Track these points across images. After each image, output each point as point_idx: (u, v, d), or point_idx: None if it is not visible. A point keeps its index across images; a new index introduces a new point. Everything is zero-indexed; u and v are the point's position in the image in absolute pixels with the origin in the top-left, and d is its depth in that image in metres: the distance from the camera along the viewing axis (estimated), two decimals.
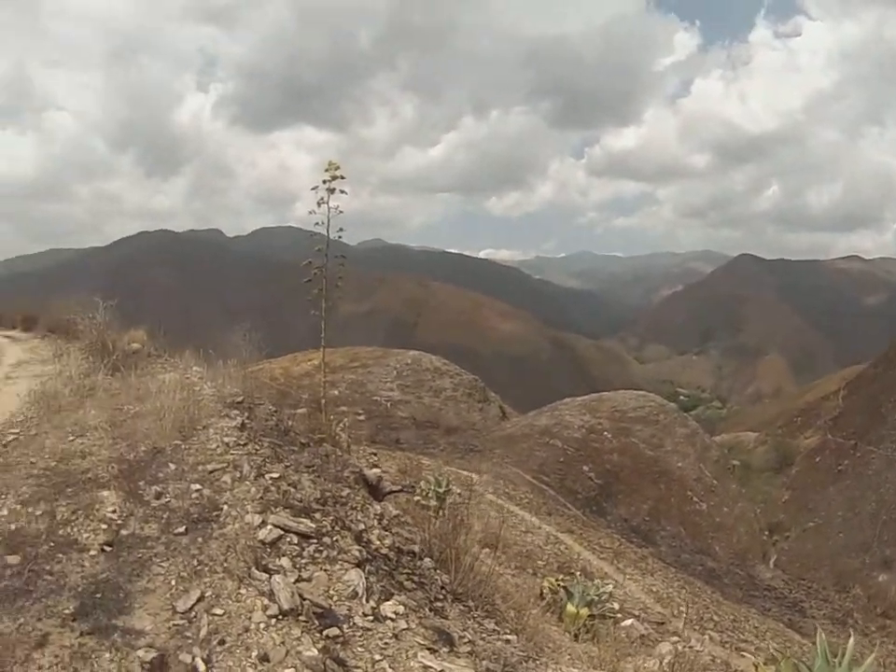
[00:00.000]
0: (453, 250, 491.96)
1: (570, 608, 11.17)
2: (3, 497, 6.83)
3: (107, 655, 4.74)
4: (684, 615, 17.65)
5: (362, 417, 37.76)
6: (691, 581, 23.18)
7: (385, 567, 6.52)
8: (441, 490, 14.50)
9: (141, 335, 14.92)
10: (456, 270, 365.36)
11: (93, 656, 4.72)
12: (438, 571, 7.19)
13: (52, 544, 5.96)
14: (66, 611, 5.12)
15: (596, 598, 11.84)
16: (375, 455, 18.87)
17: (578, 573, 15.86)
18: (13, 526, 6.22)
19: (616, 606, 13.04)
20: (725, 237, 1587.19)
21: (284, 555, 5.90)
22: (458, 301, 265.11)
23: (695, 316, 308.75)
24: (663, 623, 15.86)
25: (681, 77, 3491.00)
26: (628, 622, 13.45)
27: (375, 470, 9.50)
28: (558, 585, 12.61)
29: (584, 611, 11.03)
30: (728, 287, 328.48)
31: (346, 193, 10.54)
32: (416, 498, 13.18)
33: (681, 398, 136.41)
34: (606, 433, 38.72)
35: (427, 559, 7.34)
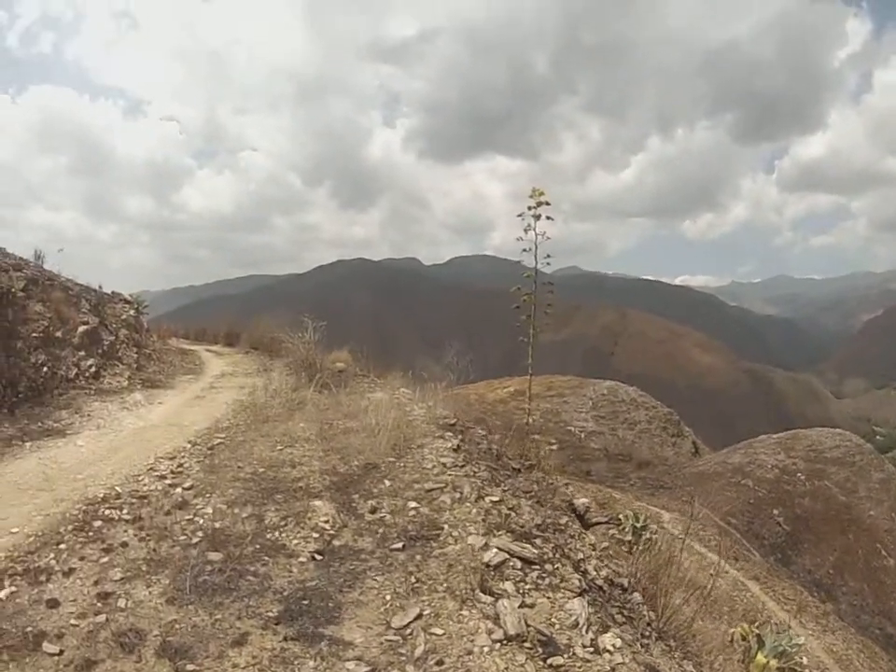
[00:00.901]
0: (648, 276, 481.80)
1: (760, 657, 10.67)
2: (208, 495, 7.05)
3: (311, 663, 4.63)
4: None
5: (555, 447, 37.43)
6: (869, 645, 21.33)
7: (600, 599, 6.27)
8: (638, 525, 14.28)
9: (346, 356, 15.50)
10: (653, 297, 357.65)
11: (296, 662, 4.62)
12: (645, 607, 6.95)
13: (258, 546, 6.05)
14: (269, 614, 5.09)
15: (788, 650, 11.13)
16: (569, 485, 18.80)
17: (773, 621, 15.34)
18: (217, 524, 6.39)
19: (805, 661, 12.61)
20: None
21: (507, 580, 5.76)
22: (656, 331, 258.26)
23: (894, 345, 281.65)
24: None
25: (860, 69, 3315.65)
26: None
27: (584, 500, 9.30)
28: (751, 632, 12.00)
29: (774, 663, 10.50)
30: None
31: (553, 219, 10.44)
32: (612, 531, 12.89)
33: (878, 437, 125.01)
34: (799, 474, 36.31)
35: (636, 594, 7.11)
